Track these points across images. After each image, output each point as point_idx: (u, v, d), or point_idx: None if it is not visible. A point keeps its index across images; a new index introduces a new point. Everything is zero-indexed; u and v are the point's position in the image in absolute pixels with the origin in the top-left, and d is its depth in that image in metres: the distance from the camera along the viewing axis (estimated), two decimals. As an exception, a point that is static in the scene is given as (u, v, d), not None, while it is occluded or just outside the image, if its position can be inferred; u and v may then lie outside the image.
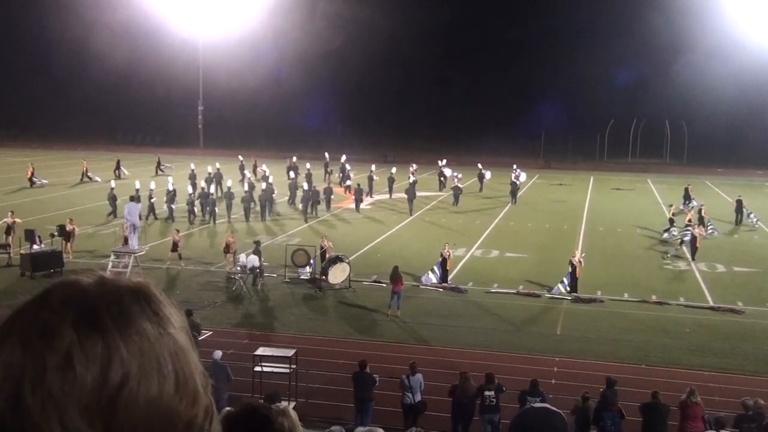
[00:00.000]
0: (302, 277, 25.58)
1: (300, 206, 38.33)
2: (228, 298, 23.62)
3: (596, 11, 78.45)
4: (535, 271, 27.21)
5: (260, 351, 16.40)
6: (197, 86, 75.60)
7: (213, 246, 30.44)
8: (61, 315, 0.84)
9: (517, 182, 45.06)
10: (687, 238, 30.48)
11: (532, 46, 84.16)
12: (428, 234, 33.43)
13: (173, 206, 35.66)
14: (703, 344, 20.08)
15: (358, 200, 40.38)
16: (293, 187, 41.49)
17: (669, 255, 29.91)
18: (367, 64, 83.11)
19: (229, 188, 38.22)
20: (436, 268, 25.49)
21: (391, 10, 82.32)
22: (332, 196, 40.70)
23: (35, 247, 26.24)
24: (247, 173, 46.03)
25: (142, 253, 25.41)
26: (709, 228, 33.78)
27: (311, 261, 25.71)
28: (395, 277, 22.08)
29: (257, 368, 15.82)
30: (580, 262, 24.80)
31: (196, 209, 35.59)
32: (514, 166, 48.87)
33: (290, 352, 16.29)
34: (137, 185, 35.97)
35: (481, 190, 47.54)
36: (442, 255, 25.52)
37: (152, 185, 36.81)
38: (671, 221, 34.06)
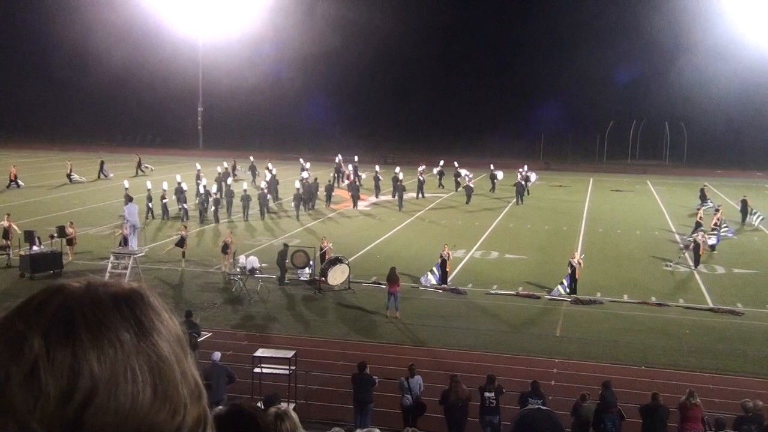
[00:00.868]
0: (302, 278, 25.58)
1: (292, 204, 38.83)
2: (227, 299, 23.61)
3: (596, 12, 78.49)
4: (534, 272, 27.21)
5: (260, 352, 16.39)
6: (197, 87, 75.64)
7: (214, 247, 30.44)
8: (33, 324, 0.81)
9: (524, 183, 45.37)
10: (692, 245, 29.44)
11: (532, 46, 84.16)
12: (428, 235, 33.44)
13: (185, 205, 36.26)
14: (702, 346, 20.07)
15: (355, 197, 41.13)
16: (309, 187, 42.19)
17: (673, 263, 28.81)
18: (366, 64, 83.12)
19: (229, 186, 38.80)
20: (435, 269, 25.48)
21: (391, 10, 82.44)
22: (333, 193, 41.18)
23: (35, 248, 26.22)
24: (264, 172, 46.24)
25: (142, 254, 25.41)
26: (723, 228, 33.55)
27: (311, 262, 25.72)
28: (392, 278, 22.08)
29: (257, 369, 15.81)
30: (579, 263, 24.80)
31: (209, 207, 36.23)
32: (525, 167, 48.99)
33: (290, 354, 16.28)
34: (149, 185, 36.31)
35: (492, 190, 47.71)
36: (441, 256, 25.52)
37: (165, 185, 37.31)
38: (698, 224, 33.35)
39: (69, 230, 27.99)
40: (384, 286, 23.13)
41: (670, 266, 28.29)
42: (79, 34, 74.91)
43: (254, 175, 48.57)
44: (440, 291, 24.74)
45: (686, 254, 29.77)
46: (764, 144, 65.33)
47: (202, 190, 36.96)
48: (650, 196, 49.60)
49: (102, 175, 50.71)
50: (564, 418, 14.34)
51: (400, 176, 43.51)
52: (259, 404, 13.90)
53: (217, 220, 35.75)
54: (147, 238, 30.64)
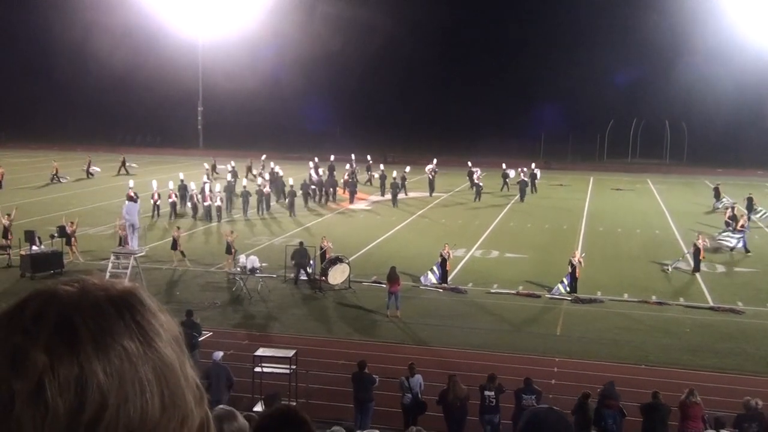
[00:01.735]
0: (302, 277, 25.58)
1: (286, 202, 39.43)
2: (228, 298, 23.63)
3: (596, 12, 78.43)
4: (534, 271, 27.22)
5: (260, 352, 16.40)
6: (197, 87, 75.66)
7: (214, 246, 30.46)
8: (32, 336, 0.77)
9: (527, 180, 45.86)
10: (692, 249, 28.36)
11: (532, 46, 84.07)
12: (428, 234, 33.44)
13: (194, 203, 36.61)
14: (703, 344, 20.08)
15: (353, 193, 42.26)
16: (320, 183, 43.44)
17: (670, 266, 27.80)
18: (366, 64, 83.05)
19: (229, 182, 39.29)
20: (435, 268, 25.49)
21: (390, 11, 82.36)
22: (332, 189, 42.67)
23: (35, 248, 26.22)
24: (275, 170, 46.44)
25: (142, 254, 25.42)
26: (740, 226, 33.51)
27: (311, 262, 25.74)
28: (392, 277, 22.10)
29: (257, 369, 15.83)
30: (580, 262, 24.81)
31: (221, 204, 36.68)
32: (533, 165, 49.18)
33: (290, 353, 16.30)
34: (154, 185, 36.51)
35: (505, 188, 48.10)
36: (441, 255, 25.53)
37: (170, 185, 37.57)
38: (727, 224, 33.30)
39: (69, 229, 27.97)
40: (384, 286, 23.14)
41: (668, 269, 27.54)
42: (79, 34, 74.90)
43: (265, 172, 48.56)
44: (440, 290, 24.75)
45: (687, 255, 28.67)
46: (764, 143, 65.25)
47: (207, 190, 37.22)
48: (651, 195, 49.59)
49: (89, 175, 50.90)
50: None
51: (394, 174, 43.74)
52: (260, 404, 13.93)
53: (219, 219, 35.85)
54: (153, 238, 30.70)
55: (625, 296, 24.40)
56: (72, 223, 28.58)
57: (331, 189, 44.04)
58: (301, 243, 26.02)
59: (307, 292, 24.54)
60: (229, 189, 38.77)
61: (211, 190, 37.26)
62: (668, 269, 27.43)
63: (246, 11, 69.17)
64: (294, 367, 16.02)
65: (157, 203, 36.03)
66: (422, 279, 25.31)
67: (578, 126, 72.94)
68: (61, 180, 48.26)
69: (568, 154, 69.08)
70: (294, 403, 14.73)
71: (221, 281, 25.47)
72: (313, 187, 43.02)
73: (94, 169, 51.46)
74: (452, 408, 14.46)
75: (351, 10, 79.27)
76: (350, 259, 25.74)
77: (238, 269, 24.75)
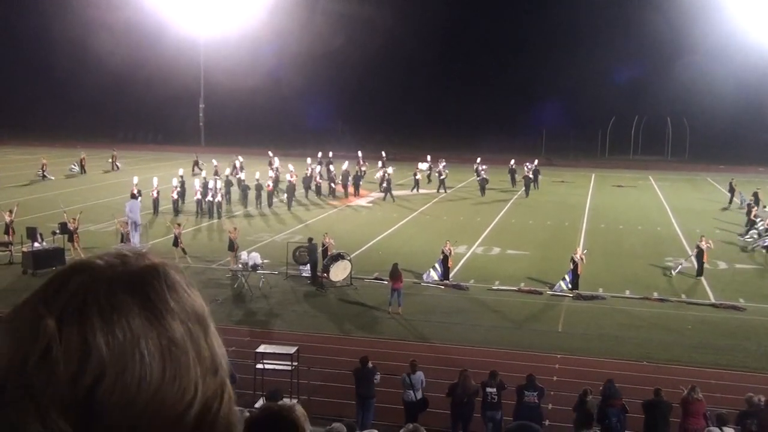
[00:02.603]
0: (304, 274, 25.58)
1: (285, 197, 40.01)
2: (229, 295, 23.64)
3: (598, 9, 78.35)
4: (536, 268, 27.20)
5: (262, 348, 16.41)
6: (198, 85, 75.64)
7: (215, 243, 30.48)
8: (50, 305, 0.85)
9: (530, 176, 46.24)
10: (695, 253, 27.16)
11: (534, 43, 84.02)
12: (429, 231, 33.43)
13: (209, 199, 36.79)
14: (704, 341, 20.06)
15: (345, 186, 43.31)
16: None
17: (674, 271, 26.84)
18: (367, 62, 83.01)
19: (227, 176, 39.61)
20: (437, 265, 25.48)
21: (391, 9, 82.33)
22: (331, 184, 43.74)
23: (36, 244, 26.23)
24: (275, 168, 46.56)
25: (144, 251, 25.38)
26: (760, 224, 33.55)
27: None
28: (395, 274, 22.11)
29: (259, 366, 15.82)
30: (581, 259, 24.79)
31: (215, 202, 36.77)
32: (536, 161, 49.29)
33: (292, 350, 16.29)
34: (155, 182, 36.62)
35: (513, 184, 48.52)
36: (443, 252, 25.52)
37: (174, 181, 37.77)
38: (752, 222, 33.12)
39: (71, 225, 27.95)
40: (386, 282, 23.14)
41: (671, 273, 26.65)
42: (80, 32, 74.91)
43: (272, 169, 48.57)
44: (442, 287, 24.75)
45: (691, 259, 27.53)
46: (766, 139, 65.19)
47: (212, 185, 37.37)
48: (652, 191, 49.56)
49: (84, 171, 51.16)
50: (567, 414, 14.36)
51: (389, 171, 43.99)
52: (261, 401, 13.94)
53: (220, 216, 35.92)
54: (154, 235, 30.72)
55: (627, 293, 24.39)
56: (74, 219, 28.53)
57: (331, 184, 44.31)
58: (310, 240, 25.98)
59: (309, 288, 24.54)
60: (228, 183, 39.29)
61: (211, 187, 37.27)
62: (672, 273, 26.62)
63: (247, 9, 69.11)
64: (296, 363, 16.01)
65: (158, 200, 36.10)
66: (424, 276, 25.30)
67: (580, 123, 72.89)
68: (46, 177, 47.69)
69: (570, 151, 69.01)
70: (296, 400, 14.73)
71: (223, 278, 25.47)
72: (318, 181, 43.77)
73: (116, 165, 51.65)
74: (459, 402, 14.46)
75: (352, 7, 79.24)
76: (352, 256, 25.74)
77: (240, 266, 24.76)
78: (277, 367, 16.01)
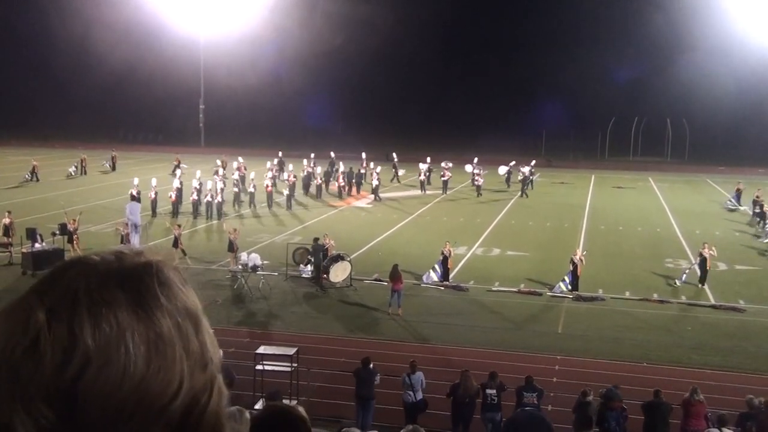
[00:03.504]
0: (303, 275, 25.57)
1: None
2: (229, 296, 23.63)
3: (597, 9, 78.36)
4: (536, 269, 27.20)
5: (261, 349, 16.40)
6: (198, 85, 75.59)
7: (215, 244, 30.46)
8: (43, 298, 0.89)
9: (529, 177, 46.39)
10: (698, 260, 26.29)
11: (534, 43, 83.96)
12: (429, 232, 33.42)
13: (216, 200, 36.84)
14: (704, 342, 20.06)
15: (341, 188, 43.60)
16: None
17: (679, 281, 25.78)
18: (368, 62, 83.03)
19: (222, 176, 40.18)
20: (437, 266, 25.47)
21: (392, 8, 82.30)
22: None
23: (36, 245, 26.22)
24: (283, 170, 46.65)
25: (142, 250, 25.37)
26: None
27: (310, 258, 25.70)
28: (395, 275, 22.10)
29: (258, 367, 15.81)
30: (581, 260, 24.78)
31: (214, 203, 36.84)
32: (533, 162, 49.36)
33: (291, 351, 16.28)
34: (154, 182, 36.65)
35: (508, 186, 48.64)
36: (443, 253, 25.51)
37: (175, 183, 38.00)
38: (762, 215, 33.54)
39: (71, 226, 27.94)
40: (386, 283, 23.13)
41: (676, 283, 25.67)
42: (80, 32, 74.86)
43: (282, 170, 48.29)
44: (442, 288, 24.74)
45: (694, 267, 26.48)
46: (765, 141, 65.18)
47: (210, 186, 37.39)
48: (652, 192, 49.56)
49: (84, 172, 51.17)
50: (567, 415, 14.34)
51: (378, 170, 44.03)
52: (261, 402, 13.93)
53: (219, 217, 35.87)
54: (154, 236, 30.70)
55: (627, 294, 24.38)
56: (74, 220, 28.53)
57: (336, 183, 44.95)
58: (316, 239, 25.94)
59: (309, 290, 24.53)
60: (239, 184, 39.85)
61: (210, 188, 37.23)
62: (677, 283, 25.60)
63: (247, 8, 69.12)
64: (295, 365, 16.01)
65: (156, 201, 36.04)
66: (424, 277, 25.29)
67: (579, 124, 72.90)
68: (34, 178, 46.97)
69: (570, 151, 68.99)
70: (295, 401, 14.72)
71: (222, 279, 25.45)
72: (319, 182, 43.97)
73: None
74: (460, 403, 14.45)
75: (352, 7, 79.18)
76: (352, 257, 25.74)
77: (240, 267, 24.75)
78: (276, 368, 16.00)
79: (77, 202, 39.29)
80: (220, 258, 27.63)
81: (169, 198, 36.73)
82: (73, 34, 75.41)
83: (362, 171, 47.14)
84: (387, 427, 14.01)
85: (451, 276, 25.53)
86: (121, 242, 26.19)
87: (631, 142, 72.76)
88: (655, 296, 24.14)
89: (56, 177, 49.20)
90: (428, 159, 49.56)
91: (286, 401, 13.31)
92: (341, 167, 46.71)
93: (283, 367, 16.02)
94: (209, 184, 37.52)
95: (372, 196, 43.32)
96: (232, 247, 26.56)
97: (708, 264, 25.58)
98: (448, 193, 45.59)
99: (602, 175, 58.14)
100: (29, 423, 0.83)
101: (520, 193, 45.28)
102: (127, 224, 27.91)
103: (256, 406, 13.12)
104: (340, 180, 44.52)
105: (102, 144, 66.89)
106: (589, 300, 23.65)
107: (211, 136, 73.92)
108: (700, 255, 25.89)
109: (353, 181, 45.29)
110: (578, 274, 24.48)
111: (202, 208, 36.52)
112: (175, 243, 27.16)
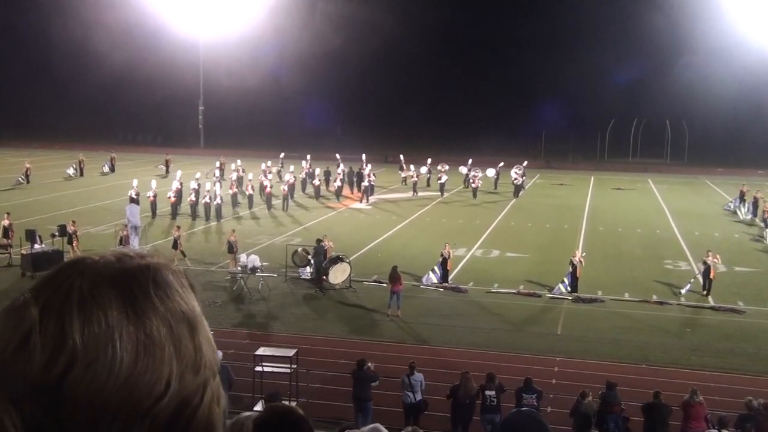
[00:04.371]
0: (303, 276, 25.56)
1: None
2: (228, 297, 23.63)
3: (597, 11, 78.36)
4: (535, 270, 27.20)
5: (261, 351, 16.38)
6: (198, 86, 75.56)
7: (214, 245, 30.45)
8: (39, 296, 0.90)
9: (521, 179, 46.43)
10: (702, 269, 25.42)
11: (533, 45, 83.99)
12: (428, 234, 33.42)
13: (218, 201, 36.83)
14: (703, 344, 20.07)
15: (338, 193, 43.69)
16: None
17: (684, 291, 24.85)
18: (367, 63, 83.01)
19: (217, 179, 40.28)
20: (436, 268, 25.47)
21: (391, 10, 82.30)
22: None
23: (36, 247, 26.21)
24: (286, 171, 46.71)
25: (146, 252, 25.37)
26: None
27: (311, 261, 25.71)
28: (394, 277, 22.09)
29: (258, 368, 15.81)
30: (580, 261, 24.78)
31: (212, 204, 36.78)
32: (525, 163, 49.18)
33: (291, 352, 16.29)
34: (153, 184, 36.61)
35: (495, 187, 48.71)
36: (442, 255, 25.51)
37: (175, 185, 37.77)
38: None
39: (70, 228, 27.93)
40: (385, 285, 23.14)
41: (681, 293, 24.74)
42: (79, 33, 74.83)
43: (283, 170, 48.30)
44: (441, 289, 24.74)
45: (698, 278, 25.48)
46: (765, 143, 65.18)
47: (209, 188, 37.38)
48: (651, 194, 49.58)
49: (81, 174, 51.25)
50: (566, 417, 14.35)
51: (366, 171, 44.25)
52: (260, 403, 13.93)
53: (219, 219, 35.85)
54: (153, 237, 30.69)
55: (626, 296, 24.39)
56: (73, 222, 28.56)
57: (335, 183, 45.05)
58: (318, 240, 25.93)
59: (308, 291, 24.53)
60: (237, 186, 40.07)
61: (209, 189, 37.23)
62: (681, 293, 24.77)
63: (247, 10, 69.12)
64: (295, 366, 16.01)
65: (155, 203, 36.01)
66: (423, 279, 25.28)
67: (579, 125, 72.86)
68: (27, 180, 46.35)
69: (569, 153, 69.01)
70: (295, 403, 14.71)
71: (222, 280, 25.45)
72: (317, 182, 44.16)
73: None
74: (460, 404, 14.45)
75: (351, 8, 79.28)
76: (351, 258, 25.74)
77: (239, 268, 24.75)
78: (276, 369, 16.00)
79: (77, 203, 39.33)
80: (220, 259, 27.62)
81: (168, 199, 36.69)
82: (73, 35, 75.40)
83: (362, 172, 47.16)
84: (387, 427, 13.99)
85: (450, 277, 25.53)
86: (120, 244, 26.16)
87: (631, 143, 72.78)
88: (655, 298, 24.15)
89: (55, 179, 49.17)
90: (428, 161, 49.58)
91: (285, 402, 13.30)
92: (341, 167, 46.69)
93: (282, 368, 16.02)
94: (207, 186, 37.45)
95: (382, 196, 43.52)
96: (231, 249, 26.56)
97: (712, 273, 24.58)
98: (445, 195, 45.56)
99: (601, 177, 58.17)
100: (18, 419, 0.84)
101: (513, 195, 45.29)
102: (126, 226, 27.94)
103: (256, 408, 13.13)
104: (338, 181, 44.55)
105: (101, 145, 66.85)
106: (589, 301, 23.65)
107: (210, 137, 73.90)
108: (704, 263, 25.05)
109: (354, 180, 45.40)
110: (577, 275, 24.48)
111: (200, 210, 36.45)
112: (175, 245, 27.17)
